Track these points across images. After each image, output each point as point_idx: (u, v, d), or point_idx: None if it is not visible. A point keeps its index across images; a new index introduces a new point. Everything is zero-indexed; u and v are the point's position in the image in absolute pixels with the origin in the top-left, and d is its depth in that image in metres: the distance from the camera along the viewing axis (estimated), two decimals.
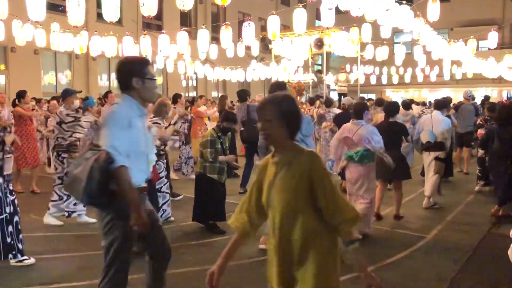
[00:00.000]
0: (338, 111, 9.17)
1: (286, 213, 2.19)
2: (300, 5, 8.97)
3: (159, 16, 22.37)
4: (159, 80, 23.69)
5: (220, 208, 5.69)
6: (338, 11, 8.41)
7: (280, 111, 2.18)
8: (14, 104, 8.30)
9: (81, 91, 7.19)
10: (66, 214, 6.00)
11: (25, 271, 4.39)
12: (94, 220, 5.61)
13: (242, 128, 8.36)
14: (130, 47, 12.01)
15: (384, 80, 22.93)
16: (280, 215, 2.20)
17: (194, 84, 25.69)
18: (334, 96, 19.03)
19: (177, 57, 14.45)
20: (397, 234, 5.64)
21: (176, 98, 9.02)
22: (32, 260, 4.56)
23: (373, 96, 23.53)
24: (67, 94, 6.24)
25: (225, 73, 18.40)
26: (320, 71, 18.13)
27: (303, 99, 17.91)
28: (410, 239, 5.40)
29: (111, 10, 6.84)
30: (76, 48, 12.32)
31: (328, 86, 22.02)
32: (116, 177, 2.66)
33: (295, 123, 2.24)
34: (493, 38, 13.55)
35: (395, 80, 23.03)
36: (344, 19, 11.47)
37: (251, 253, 4.76)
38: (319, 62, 19.62)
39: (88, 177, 2.64)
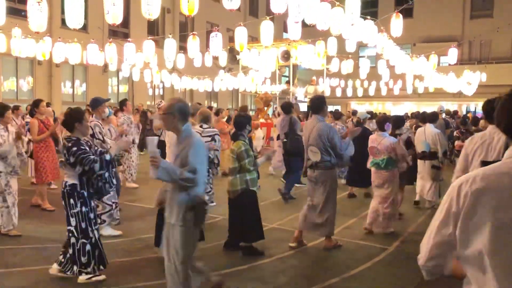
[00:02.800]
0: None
1: None
2: (268, 18, 9.05)
3: (126, 24, 22.07)
4: (124, 88, 23.34)
5: (260, 225, 5.27)
6: (304, 24, 8.53)
7: None
8: (32, 114, 7.42)
9: (109, 99, 6.96)
10: (118, 221, 5.98)
11: None
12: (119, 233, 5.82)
13: (285, 140, 8.45)
14: (95, 55, 11.82)
15: (349, 93, 23.34)
16: None
17: (161, 93, 25.43)
18: (303, 107, 19.09)
19: (143, 66, 14.30)
20: (359, 246, 5.70)
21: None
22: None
23: (338, 107, 23.88)
24: (97, 104, 5.95)
25: (192, 82, 18.31)
26: (288, 83, 18.33)
27: (270, 111, 18.02)
28: (372, 251, 5.47)
29: (74, 17, 6.69)
30: (39, 54, 11.99)
31: (296, 98, 22.26)
32: None
33: None
34: (453, 54, 14.08)
35: (360, 92, 23.48)
36: (310, 32, 11.64)
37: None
38: (286, 73, 19.84)
39: None
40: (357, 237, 6.05)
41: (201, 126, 6.46)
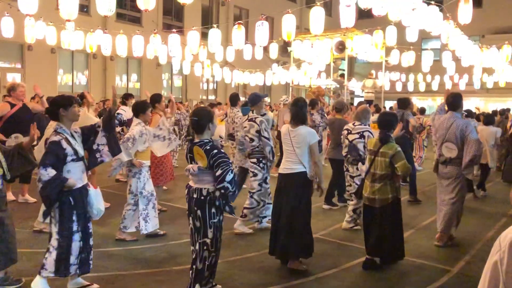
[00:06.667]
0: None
1: None
2: (318, 3, 8.23)
3: (180, 17, 21.99)
4: (180, 82, 23.26)
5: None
6: (360, 14, 7.73)
7: None
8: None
9: (266, 95, 6.78)
10: (260, 219, 5.88)
11: None
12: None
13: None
14: (142, 47, 11.49)
15: (410, 87, 21.96)
16: None
17: (214, 87, 25.22)
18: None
19: (193, 59, 13.95)
20: (413, 265, 4.82)
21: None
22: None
23: None
24: (258, 99, 5.84)
25: (244, 76, 17.80)
26: (342, 75, 17.37)
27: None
28: (430, 272, 4.60)
29: (105, 3, 6.31)
30: (87, 47, 11.86)
31: (352, 92, 21.21)
32: None
33: None
34: None
35: (422, 87, 22.03)
36: (368, 22, 10.76)
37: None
38: (342, 66, 18.88)
39: None
40: (413, 253, 5.10)
41: (353, 124, 6.18)
